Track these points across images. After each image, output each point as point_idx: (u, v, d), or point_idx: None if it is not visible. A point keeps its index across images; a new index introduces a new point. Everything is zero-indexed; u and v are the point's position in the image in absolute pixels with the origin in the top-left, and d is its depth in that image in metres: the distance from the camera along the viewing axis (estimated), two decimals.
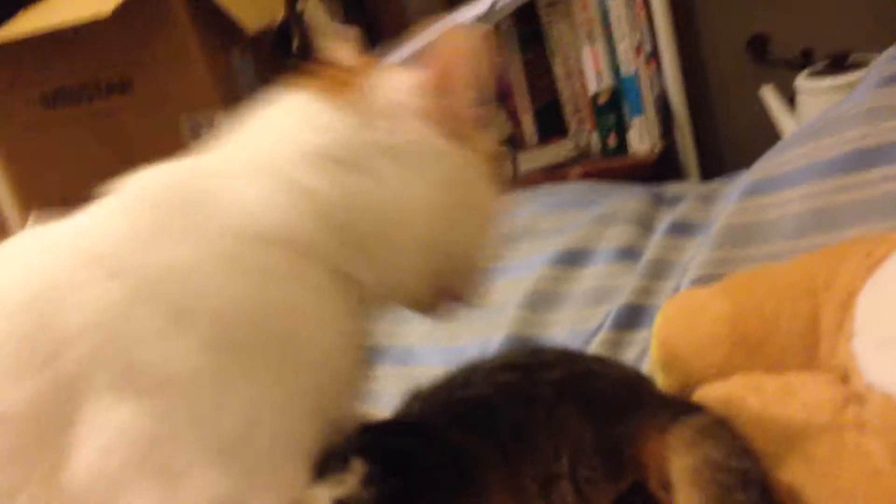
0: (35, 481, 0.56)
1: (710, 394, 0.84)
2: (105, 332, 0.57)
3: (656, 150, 1.94)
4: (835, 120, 1.13)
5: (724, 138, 2.04)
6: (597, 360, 0.84)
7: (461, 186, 0.69)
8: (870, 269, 0.81)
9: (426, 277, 0.69)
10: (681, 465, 0.63)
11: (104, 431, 0.56)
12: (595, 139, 2.04)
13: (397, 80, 0.69)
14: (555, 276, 1.20)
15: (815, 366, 0.83)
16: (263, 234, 0.61)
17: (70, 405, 0.56)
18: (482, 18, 1.92)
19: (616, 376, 0.76)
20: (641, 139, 1.96)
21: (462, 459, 0.65)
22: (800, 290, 0.87)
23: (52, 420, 0.56)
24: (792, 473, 0.69)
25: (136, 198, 0.64)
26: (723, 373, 0.87)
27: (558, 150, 2.06)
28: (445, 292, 0.73)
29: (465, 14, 1.96)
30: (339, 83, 0.68)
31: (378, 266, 0.65)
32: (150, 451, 0.56)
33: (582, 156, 2.06)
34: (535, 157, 2.05)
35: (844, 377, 0.75)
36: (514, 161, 2.03)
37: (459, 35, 0.67)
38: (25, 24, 1.92)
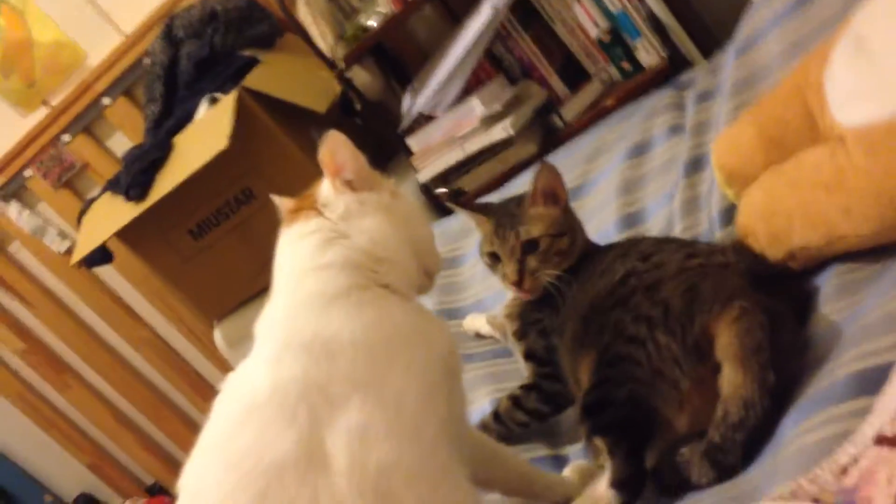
0: (323, 480, 0.97)
1: (753, 192, 1.27)
2: (307, 389, 1.01)
3: (665, 57, 2.36)
4: None
5: (710, 20, 2.44)
6: (657, 269, 1.17)
7: (391, 207, 1.19)
8: (824, 59, 1.23)
9: (413, 266, 1.18)
10: (721, 344, 1.04)
11: (340, 435, 0.99)
12: (613, 71, 2.47)
13: (324, 183, 1.18)
14: (631, 166, 1.66)
15: (820, 138, 1.25)
16: (335, 294, 1.08)
17: (317, 434, 0.99)
18: (489, 22, 2.37)
19: (678, 287, 1.11)
20: (649, 55, 2.39)
21: (639, 404, 1.07)
22: (791, 95, 1.29)
23: (313, 446, 0.98)
24: (819, 201, 1.12)
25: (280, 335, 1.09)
26: (766, 169, 1.30)
27: (590, 92, 2.50)
28: (427, 273, 1.22)
29: (474, 25, 2.42)
30: (306, 203, 1.18)
31: (391, 273, 1.15)
32: (363, 431, 0.99)
33: (609, 87, 2.49)
34: (575, 105, 2.49)
35: (831, 135, 1.17)
36: (561, 117, 2.47)
37: (327, 140, 1.15)
38: (166, 182, 2.43)
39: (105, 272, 3.40)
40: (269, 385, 1.04)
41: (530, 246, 1.34)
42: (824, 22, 1.41)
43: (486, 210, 1.45)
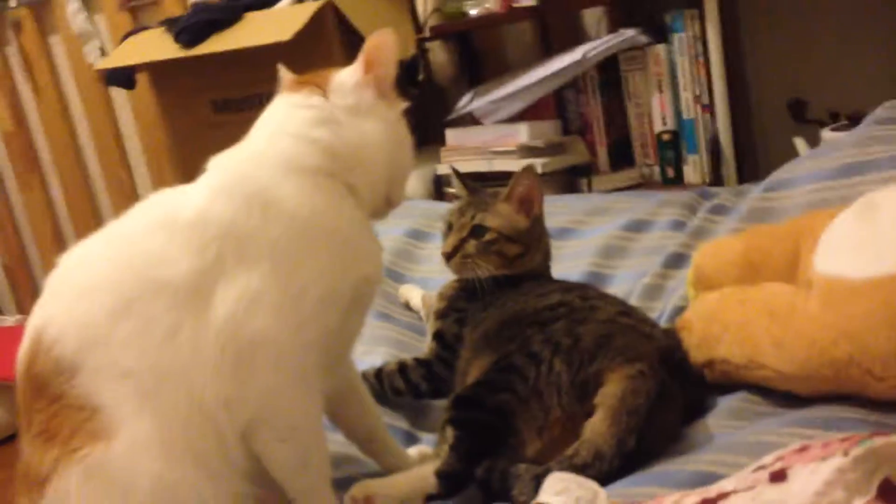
0: (192, 318, 1.00)
1: (709, 295, 1.28)
2: (228, 233, 1.01)
3: (706, 182, 2.39)
4: (833, 146, 1.57)
5: (762, 175, 2.47)
6: (592, 310, 1.19)
7: (393, 125, 1.17)
8: (832, 217, 1.25)
9: (382, 186, 1.17)
10: (605, 391, 1.05)
11: (233, 288, 1.01)
12: (656, 170, 2.50)
13: (346, 70, 1.16)
14: (623, 236, 1.68)
15: (792, 282, 1.27)
16: (301, 167, 1.07)
17: (213, 277, 1.00)
18: (573, 67, 2.41)
19: (598, 330, 1.13)
20: (694, 172, 2.42)
21: (504, 415, 1.08)
22: (789, 235, 1.31)
23: (203, 285, 1.01)
24: (758, 324, 1.13)
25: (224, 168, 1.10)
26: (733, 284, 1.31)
27: (626, 177, 2.52)
28: (388, 201, 1.19)
29: (560, 61, 2.46)
30: (316, 80, 1.16)
31: (361, 178, 1.13)
32: (255, 297, 1.00)
33: (644, 183, 2.52)
34: (607, 181, 2.51)
35: (803, 279, 1.19)
36: (589, 183, 2.50)
37: (378, 34, 1.14)
38: (217, 44, 2.45)
39: (118, 105, 3.43)
40: (196, 211, 1.04)
41: (478, 231, 1.36)
42: (856, 195, 1.43)
43: (470, 188, 1.47)
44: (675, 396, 1.09)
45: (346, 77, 1.15)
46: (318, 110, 1.12)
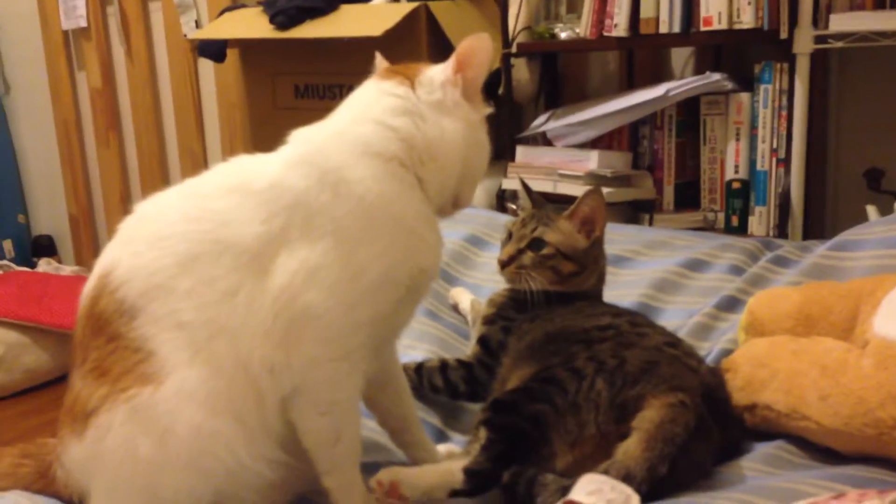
0: (251, 282, 1.04)
1: (760, 341, 1.28)
2: (297, 205, 1.05)
3: (770, 236, 2.36)
4: None
5: (827, 237, 2.44)
6: (641, 336, 1.20)
7: (473, 127, 1.17)
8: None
9: (452, 184, 1.18)
10: (643, 416, 1.06)
11: (293, 259, 1.04)
12: (721, 217, 2.48)
13: (437, 67, 1.17)
14: (679, 273, 1.68)
15: (848, 340, 1.26)
16: (377, 153, 1.09)
17: (276, 245, 1.04)
18: (654, 102, 2.41)
19: (643, 356, 1.13)
20: (759, 224, 2.40)
21: (540, 424, 1.09)
22: (850, 294, 1.30)
23: (266, 251, 1.04)
24: (807, 375, 1.13)
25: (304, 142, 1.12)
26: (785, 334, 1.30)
27: (688, 219, 2.50)
28: (454, 201, 1.20)
29: (640, 96, 2.46)
30: (406, 72, 1.16)
31: (433, 173, 1.14)
32: (314, 270, 1.03)
33: (706, 228, 2.50)
34: (669, 221, 2.50)
35: (859, 341, 1.18)
36: (651, 220, 2.49)
37: (474, 37, 1.14)
38: (309, 30, 2.51)
39: (203, 80, 3.51)
40: (271, 180, 1.07)
41: (536, 244, 1.37)
42: None
43: (535, 200, 1.50)
44: (713, 433, 1.09)
45: (436, 73, 1.16)
46: (403, 100, 1.14)
